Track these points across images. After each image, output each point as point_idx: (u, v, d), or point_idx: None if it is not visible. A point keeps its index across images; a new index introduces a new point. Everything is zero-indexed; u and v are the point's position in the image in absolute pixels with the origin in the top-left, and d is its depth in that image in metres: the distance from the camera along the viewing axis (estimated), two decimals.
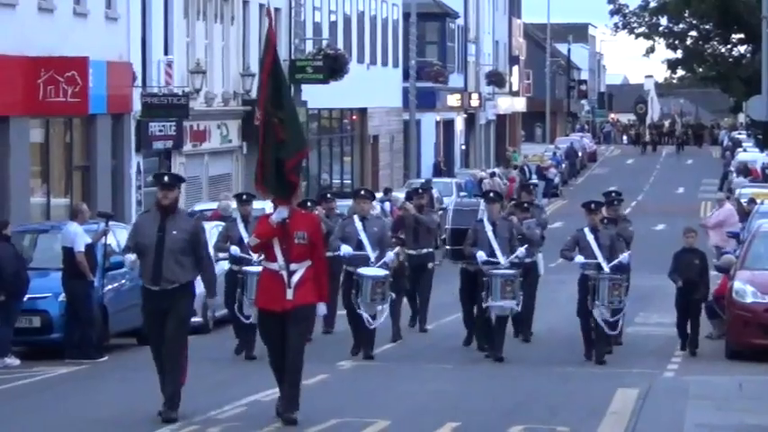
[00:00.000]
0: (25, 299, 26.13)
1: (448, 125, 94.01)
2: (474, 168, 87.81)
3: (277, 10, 59.22)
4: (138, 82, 45.14)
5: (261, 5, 57.58)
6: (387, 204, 45.06)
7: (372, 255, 25.87)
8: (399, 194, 34.52)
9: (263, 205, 28.35)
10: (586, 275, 24.82)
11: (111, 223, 28.89)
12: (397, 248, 27.47)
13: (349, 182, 66.53)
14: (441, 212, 36.61)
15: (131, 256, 18.77)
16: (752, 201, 41.61)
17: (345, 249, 26.11)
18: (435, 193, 56.84)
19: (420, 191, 32.62)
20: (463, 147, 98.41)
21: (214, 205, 38.79)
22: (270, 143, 17.96)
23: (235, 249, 26.68)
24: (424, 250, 29.68)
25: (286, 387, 18.16)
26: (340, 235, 26.65)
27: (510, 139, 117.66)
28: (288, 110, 18.31)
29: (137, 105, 45.02)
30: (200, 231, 18.91)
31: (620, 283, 24.91)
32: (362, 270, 25.66)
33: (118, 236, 27.68)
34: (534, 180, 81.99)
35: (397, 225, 29.63)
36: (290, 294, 17.74)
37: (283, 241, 17.81)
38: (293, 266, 17.79)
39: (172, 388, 18.44)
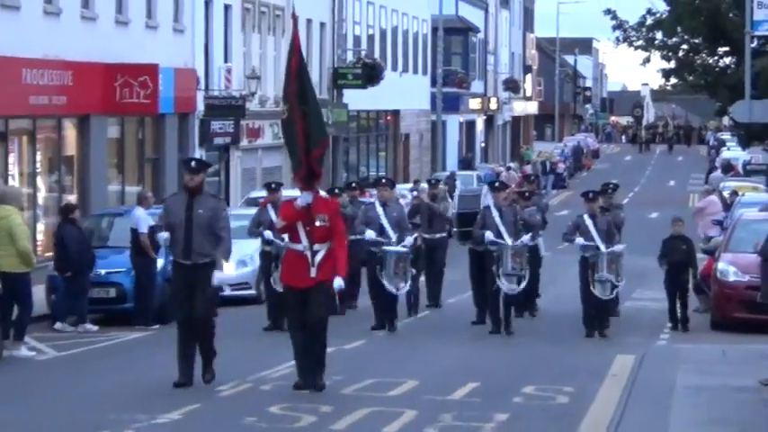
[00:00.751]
0: (102, 273, 26.27)
1: (470, 125, 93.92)
2: (492, 163, 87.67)
3: (322, 24, 59.33)
4: (202, 86, 45.19)
5: (308, 21, 57.57)
6: (415, 193, 44.97)
7: (393, 236, 25.52)
8: (425, 185, 34.29)
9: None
10: (585, 257, 24.76)
11: None
12: (415, 234, 27.01)
13: (384, 173, 66.46)
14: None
15: (165, 234, 18.38)
16: (734, 193, 41.59)
17: (369, 234, 25.76)
18: (459, 184, 56.56)
19: (433, 182, 32.46)
20: (483, 144, 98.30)
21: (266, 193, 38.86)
22: (299, 134, 17.68)
23: (268, 233, 26.12)
24: (437, 235, 29.34)
25: (312, 356, 17.98)
26: (363, 220, 26.36)
27: (523, 138, 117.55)
28: (311, 105, 18.03)
29: (200, 106, 45.14)
30: (220, 210, 18.67)
31: (617, 259, 24.82)
32: (386, 247, 25.40)
33: None
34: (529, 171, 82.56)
35: (413, 212, 29.11)
36: (313, 272, 17.52)
37: (307, 224, 17.54)
38: (316, 247, 17.54)
39: (206, 355, 18.35)
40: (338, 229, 17.93)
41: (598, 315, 24.90)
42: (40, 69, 34.19)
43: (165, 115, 41.95)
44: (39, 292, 25.54)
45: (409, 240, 25.94)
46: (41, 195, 35.66)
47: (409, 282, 26.04)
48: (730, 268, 26.82)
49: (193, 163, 18.70)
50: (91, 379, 17.79)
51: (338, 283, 17.84)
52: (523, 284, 25.51)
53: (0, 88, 31.99)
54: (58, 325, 26.17)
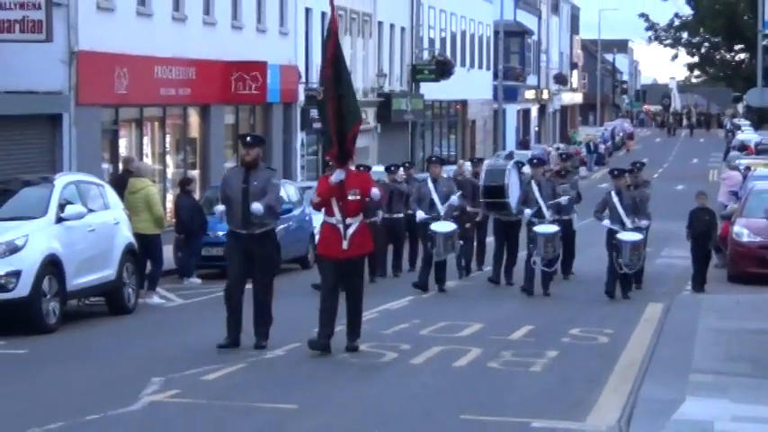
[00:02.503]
0: (212, 234, 26.23)
1: (525, 113, 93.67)
2: (544, 144, 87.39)
3: (403, 29, 59.21)
4: (302, 80, 45.23)
5: (392, 25, 57.53)
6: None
7: (442, 210, 24.45)
8: (468, 164, 33.05)
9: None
10: (613, 229, 23.76)
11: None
12: (459, 192, 25.54)
13: (454, 153, 66.30)
14: None
15: (221, 207, 17.06)
16: (747, 168, 41.39)
17: (419, 215, 24.69)
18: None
19: (475, 160, 31.79)
20: (536, 129, 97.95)
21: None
22: (330, 116, 16.50)
23: None
24: (478, 208, 27.76)
25: (348, 321, 16.87)
26: (417, 196, 25.39)
27: (570, 123, 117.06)
28: (346, 88, 16.88)
29: (301, 97, 45.05)
30: (272, 179, 17.22)
31: (639, 246, 23.86)
32: (435, 227, 24.25)
33: (286, 189, 27.64)
34: (583, 152, 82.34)
35: (458, 187, 26.91)
36: (345, 245, 16.39)
37: (340, 198, 16.37)
38: (348, 221, 16.38)
39: (263, 321, 16.89)
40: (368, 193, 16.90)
41: (622, 282, 23.98)
42: (169, 66, 34.36)
43: (272, 104, 42.00)
44: (168, 251, 25.69)
45: (454, 199, 24.73)
46: (170, 171, 35.87)
47: (456, 250, 25.21)
48: (744, 231, 26.74)
49: (249, 138, 17.56)
50: (207, 321, 17.85)
51: (375, 193, 17.19)
52: (556, 266, 24.83)
53: (137, 82, 32.16)
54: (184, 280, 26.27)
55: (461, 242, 25.50)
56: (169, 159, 36.24)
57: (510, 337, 18.88)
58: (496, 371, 16.09)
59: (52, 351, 17.36)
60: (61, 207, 19.73)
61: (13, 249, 18.59)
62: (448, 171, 28.69)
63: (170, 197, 34.00)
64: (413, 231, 26.95)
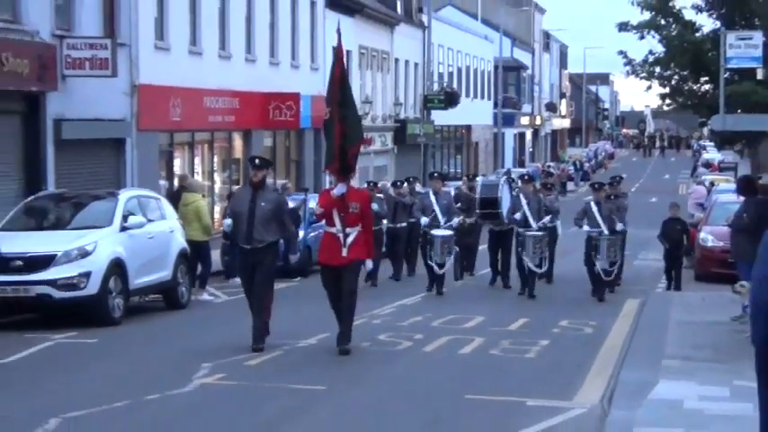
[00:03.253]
0: None
1: (521, 136, 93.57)
2: (537, 162, 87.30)
3: (416, 64, 59.23)
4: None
5: (406, 61, 57.57)
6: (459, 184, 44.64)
7: (442, 219, 24.02)
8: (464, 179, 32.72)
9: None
10: (591, 236, 23.37)
11: (309, 194, 29.08)
12: (461, 216, 25.49)
13: (460, 171, 66.21)
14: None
15: (228, 221, 16.38)
16: (711, 183, 41.47)
17: (423, 220, 24.29)
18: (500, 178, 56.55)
19: (470, 177, 31.41)
20: (531, 149, 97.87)
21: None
22: (336, 134, 15.72)
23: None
24: (474, 218, 26.99)
25: (342, 324, 15.73)
26: (420, 207, 24.90)
27: (560, 145, 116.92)
28: (350, 109, 16.14)
29: None
30: (282, 203, 16.77)
31: (615, 242, 23.40)
32: (434, 231, 23.89)
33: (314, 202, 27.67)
34: (571, 170, 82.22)
35: (456, 199, 26.72)
36: (344, 252, 15.53)
37: (341, 210, 15.54)
38: (348, 230, 15.55)
39: (259, 323, 15.95)
40: (367, 215, 16.19)
41: (598, 283, 23.34)
42: (216, 97, 34.43)
43: (304, 129, 41.99)
44: (216, 255, 25.70)
45: (455, 221, 24.61)
46: (217, 186, 35.89)
47: (453, 256, 24.58)
48: (709, 237, 26.78)
49: (257, 161, 16.57)
50: (249, 316, 17.85)
51: (369, 264, 16.53)
52: (545, 267, 24.19)
53: (188, 111, 32.26)
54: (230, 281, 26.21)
55: (457, 249, 25.11)
56: (216, 177, 36.25)
57: (508, 328, 18.88)
58: (496, 357, 16.11)
59: (117, 341, 17.42)
60: (125, 218, 19.79)
61: (84, 254, 18.66)
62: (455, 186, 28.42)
63: (217, 209, 34.07)
64: (413, 240, 26.54)
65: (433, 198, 24.33)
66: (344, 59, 16.30)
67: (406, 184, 28.41)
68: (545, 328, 18.79)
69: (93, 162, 27.80)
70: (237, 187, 18.98)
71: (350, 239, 15.57)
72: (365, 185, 28.08)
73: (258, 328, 15.84)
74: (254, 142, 38.14)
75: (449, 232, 23.88)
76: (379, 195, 27.38)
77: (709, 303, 21.91)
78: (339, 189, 15.60)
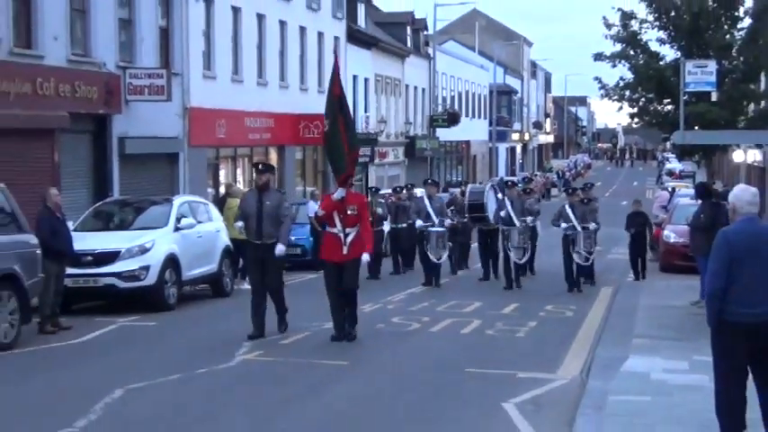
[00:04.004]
0: (293, 239, 26.05)
1: (512, 149, 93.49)
2: (526, 171, 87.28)
3: (423, 90, 59.32)
4: None
5: (415, 87, 57.62)
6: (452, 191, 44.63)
7: (436, 220, 23.35)
8: (457, 189, 32.04)
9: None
10: (567, 234, 22.76)
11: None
12: (449, 219, 24.40)
13: (461, 179, 66.17)
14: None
15: (240, 223, 15.47)
16: (673, 189, 41.38)
17: (418, 222, 23.62)
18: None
19: (462, 182, 30.74)
20: (520, 161, 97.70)
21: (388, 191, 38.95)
22: (342, 143, 14.92)
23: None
24: (465, 220, 26.09)
25: (347, 312, 15.03)
26: (416, 209, 24.19)
27: (545, 157, 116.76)
28: (349, 122, 15.28)
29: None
30: (282, 201, 15.72)
31: (589, 236, 22.80)
32: (430, 228, 23.14)
33: None
34: (554, 178, 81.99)
35: (449, 203, 26.14)
36: (345, 250, 14.71)
37: (341, 212, 14.76)
38: (347, 231, 14.75)
39: (279, 311, 15.53)
40: (364, 216, 15.27)
41: (576, 277, 22.73)
42: (254, 118, 34.49)
43: None
44: None
45: (447, 222, 23.98)
46: None
47: (447, 251, 24.12)
48: (671, 234, 26.69)
49: (260, 166, 15.95)
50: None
51: (365, 257, 15.28)
52: (527, 256, 23.75)
53: (231, 130, 32.36)
54: None
55: (450, 244, 24.65)
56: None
57: (501, 312, 18.86)
58: (491, 336, 16.11)
59: (172, 324, 17.42)
60: (178, 220, 19.84)
61: (144, 250, 18.70)
62: (453, 192, 27.98)
63: None
64: (412, 238, 25.65)
65: (426, 201, 23.89)
66: (340, 80, 15.26)
67: (405, 191, 28.01)
68: (532, 312, 18.77)
69: (151, 173, 27.90)
70: (246, 191, 18.22)
71: (349, 239, 14.81)
72: (368, 191, 27.71)
73: (279, 315, 15.54)
74: (287, 156, 38.23)
75: (443, 228, 23.48)
76: (380, 200, 27.19)
77: (672, 290, 21.92)
78: (338, 193, 14.87)
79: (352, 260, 14.86)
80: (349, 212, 14.75)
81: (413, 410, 11.04)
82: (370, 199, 24.88)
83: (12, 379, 12.75)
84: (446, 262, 24.59)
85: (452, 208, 25.63)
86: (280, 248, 15.07)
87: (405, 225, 25.83)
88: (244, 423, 10.44)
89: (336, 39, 43.44)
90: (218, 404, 11.22)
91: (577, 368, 13.32)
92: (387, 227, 26.55)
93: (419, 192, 27.44)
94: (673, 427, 9.68)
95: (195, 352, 14.24)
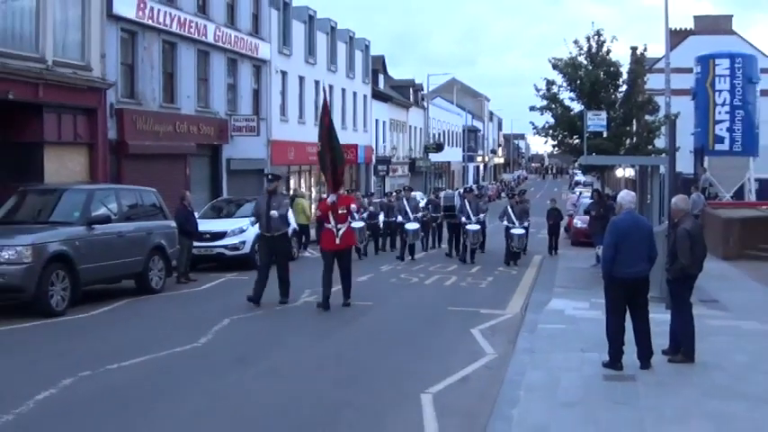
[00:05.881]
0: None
1: (477, 168, 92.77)
2: (486, 181, 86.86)
3: (420, 128, 59.10)
4: (374, 152, 45.23)
5: (415, 127, 57.39)
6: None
7: (411, 216, 21.95)
8: (434, 194, 31.47)
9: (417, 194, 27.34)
10: (508, 227, 21.20)
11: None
12: (427, 213, 23.16)
13: (444, 186, 65.82)
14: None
15: (253, 219, 14.10)
16: (580, 193, 41.39)
17: (400, 219, 21.93)
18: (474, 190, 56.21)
19: (436, 189, 29.24)
20: (483, 175, 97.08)
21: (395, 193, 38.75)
22: (328, 160, 12.96)
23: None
24: (438, 215, 23.95)
25: (343, 287, 13.01)
26: (398, 208, 22.49)
27: (498, 173, 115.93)
28: (336, 144, 13.08)
29: (374, 160, 44.97)
30: (284, 199, 13.69)
31: (522, 236, 21.13)
32: (407, 225, 21.61)
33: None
34: (503, 186, 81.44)
35: (427, 204, 24.53)
36: (338, 241, 12.78)
37: (334, 212, 12.84)
38: (339, 226, 12.83)
39: (284, 286, 13.32)
40: (351, 213, 13.33)
41: (513, 256, 20.91)
42: (312, 147, 33.52)
43: (360, 164, 42.01)
44: (312, 234, 25.59)
45: (420, 215, 22.48)
46: (312, 195, 35.87)
47: (419, 237, 22.28)
48: (579, 221, 26.53)
49: (269, 176, 13.86)
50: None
51: (331, 199, 12.98)
52: (479, 241, 21.42)
53: (298, 154, 32.29)
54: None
55: (422, 233, 22.91)
56: (313, 190, 36.14)
57: (469, 271, 18.83)
58: (464, 287, 16.05)
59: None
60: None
61: (241, 231, 18.67)
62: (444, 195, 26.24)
63: (313, 207, 34.10)
64: (398, 228, 22.94)
65: (405, 202, 22.48)
66: (329, 111, 13.36)
67: (394, 194, 26.05)
68: (490, 272, 18.72)
69: (247, 182, 27.92)
70: (258, 196, 15.99)
71: (341, 232, 12.87)
72: (364, 194, 25.85)
73: (285, 289, 13.43)
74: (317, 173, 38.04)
75: (417, 225, 21.84)
76: (375, 201, 25.60)
77: (579, 257, 21.86)
78: (331, 198, 12.95)
79: (344, 248, 12.97)
80: (340, 212, 12.91)
81: (413, 331, 11.06)
82: (392, 199, 23.63)
83: (159, 310, 12.82)
84: (420, 244, 23.10)
85: (429, 206, 24.25)
86: (273, 212, 13.02)
87: (393, 219, 23.51)
88: (313, 335, 10.56)
89: (365, 96, 43.43)
90: (293, 328, 11.21)
91: (519, 307, 13.32)
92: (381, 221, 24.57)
93: (418, 194, 27.13)
94: (579, 343, 9.72)
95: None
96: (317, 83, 35.70)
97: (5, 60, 16.09)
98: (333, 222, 12.90)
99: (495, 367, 8.74)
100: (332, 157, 12.90)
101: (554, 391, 7.43)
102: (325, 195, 12.36)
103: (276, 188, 13.47)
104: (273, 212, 12.97)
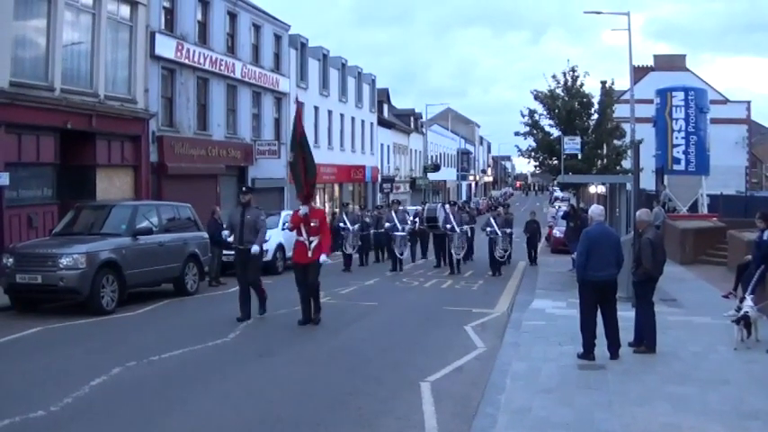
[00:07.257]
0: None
1: (470, 185, 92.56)
2: (478, 197, 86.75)
3: (420, 152, 59.12)
4: (379, 172, 45.20)
5: (416, 150, 57.44)
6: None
7: (399, 226, 20.53)
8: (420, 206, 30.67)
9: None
10: (491, 237, 19.86)
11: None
12: (414, 224, 21.97)
13: (440, 202, 65.77)
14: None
15: (227, 232, 11.81)
16: (558, 207, 41.29)
17: (387, 225, 20.70)
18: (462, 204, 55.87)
19: (423, 203, 27.95)
20: (474, 191, 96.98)
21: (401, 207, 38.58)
22: (301, 170, 11.36)
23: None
24: (424, 226, 21.69)
25: (312, 303, 11.22)
26: (387, 219, 21.05)
27: (488, 189, 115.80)
28: (309, 157, 11.41)
29: (379, 178, 44.87)
30: (259, 215, 11.78)
31: (506, 239, 20.04)
32: (396, 233, 20.37)
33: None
34: (492, 201, 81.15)
35: (415, 215, 22.88)
36: (309, 254, 11.05)
37: (306, 224, 11.14)
38: (311, 239, 11.08)
39: (260, 299, 11.83)
40: (324, 228, 11.35)
41: (497, 265, 19.64)
42: (326, 167, 34.06)
43: (367, 182, 41.93)
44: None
45: (407, 227, 21.09)
46: (327, 208, 35.69)
47: (408, 247, 21.10)
48: (557, 231, 26.33)
49: (243, 188, 12.30)
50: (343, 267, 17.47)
51: (323, 258, 11.09)
52: (464, 252, 20.16)
53: (322, 174, 32.25)
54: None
55: (409, 243, 21.77)
56: (326, 205, 36.09)
57: (463, 275, 18.81)
58: (458, 289, 16.05)
59: (282, 281, 17.08)
60: (283, 224, 19.58)
61: (265, 241, 18.53)
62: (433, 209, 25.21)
63: (328, 218, 34.02)
64: (388, 239, 21.51)
65: (393, 214, 21.08)
66: (302, 122, 11.75)
67: (384, 207, 25.50)
68: (480, 277, 18.67)
69: (269, 198, 27.97)
70: (232, 208, 14.25)
71: (313, 245, 11.12)
72: (357, 209, 23.32)
73: (260, 302, 11.91)
74: (344, 189, 38.16)
75: (404, 233, 20.78)
76: (367, 213, 24.02)
77: (558, 263, 21.75)
78: (303, 210, 11.27)
79: (314, 262, 11.11)
80: (312, 224, 11.17)
81: (414, 327, 11.07)
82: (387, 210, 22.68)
83: (194, 310, 12.81)
84: (408, 256, 21.98)
85: (417, 218, 22.80)
86: (254, 248, 11.44)
87: (383, 230, 22.20)
88: (327, 330, 10.48)
89: (372, 123, 43.50)
90: (309, 325, 11.13)
91: (505, 306, 13.29)
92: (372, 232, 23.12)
93: (410, 208, 26.18)
94: (557, 338, 9.75)
95: (294, 297, 13.88)
96: (329, 112, 35.79)
97: (66, 96, 16.40)
98: (305, 235, 11.13)
99: (485, 359, 8.78)
100: (304, 168, 11.31)
101: (536, 379, 7.51)
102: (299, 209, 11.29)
103: (249, 200, 11.80)
104: (255, 248, 11.39)
